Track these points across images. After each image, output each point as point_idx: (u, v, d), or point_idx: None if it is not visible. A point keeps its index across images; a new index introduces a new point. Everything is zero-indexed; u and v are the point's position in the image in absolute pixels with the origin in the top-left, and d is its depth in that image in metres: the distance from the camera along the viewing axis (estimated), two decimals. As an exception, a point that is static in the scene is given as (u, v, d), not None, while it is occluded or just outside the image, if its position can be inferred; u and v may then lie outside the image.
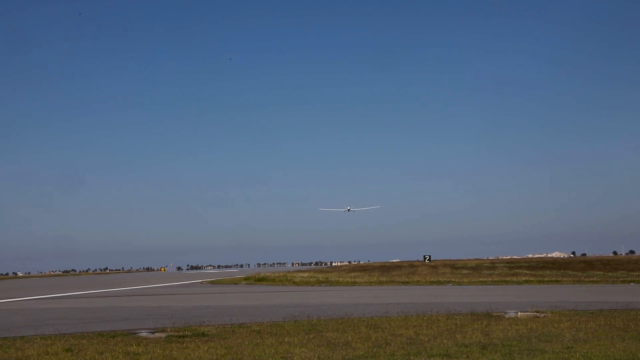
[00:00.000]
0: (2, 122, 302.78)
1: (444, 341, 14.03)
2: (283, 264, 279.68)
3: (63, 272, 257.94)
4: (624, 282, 45.91)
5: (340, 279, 57.95)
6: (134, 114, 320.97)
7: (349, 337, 14.83)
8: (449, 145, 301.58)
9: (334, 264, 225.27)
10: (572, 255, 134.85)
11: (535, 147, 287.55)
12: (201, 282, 67.66)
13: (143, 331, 16.68)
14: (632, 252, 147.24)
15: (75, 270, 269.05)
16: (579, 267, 68.08)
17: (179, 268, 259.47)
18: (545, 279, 50.98)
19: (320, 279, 59.61)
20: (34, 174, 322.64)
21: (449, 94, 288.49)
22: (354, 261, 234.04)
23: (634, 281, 45.50)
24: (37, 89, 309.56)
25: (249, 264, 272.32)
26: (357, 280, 56.62)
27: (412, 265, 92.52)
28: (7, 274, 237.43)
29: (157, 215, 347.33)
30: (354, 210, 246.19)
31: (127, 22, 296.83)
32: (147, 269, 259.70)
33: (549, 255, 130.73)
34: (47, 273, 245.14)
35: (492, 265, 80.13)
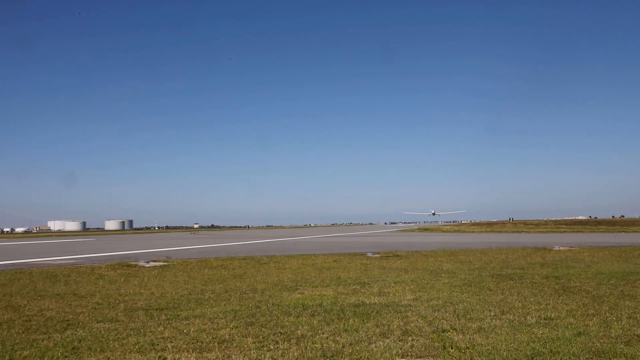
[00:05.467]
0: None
1: (520, 261, 15.43)
2: (437, 222, 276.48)
3: (330, 224, 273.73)
4: (618, 232, 50.67)
5: (466, 230, 66.87)
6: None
7: (471, 258, 16.55)
8: (520, 148, 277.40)
9: (462, 222, 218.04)
10: (589, 217, 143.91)
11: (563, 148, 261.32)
12: (396, 230, 74.80)
13: (369, 253, 19.26)
14: (622, 216, 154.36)
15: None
16: (593, 224, 77.83)
17: (385, 223, 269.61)
18: (575, 230, 58.10)
19: (455, 229, 69.71)
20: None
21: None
22: (473, 220, 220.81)
23: (624, 231, 51.09)
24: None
25: (419, 222, 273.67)
26: (474, 230, 64.85)
27: (502, 223, 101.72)
28: (304, 224, 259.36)
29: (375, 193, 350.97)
30: (439, 214, 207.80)
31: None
32: (370, 224, 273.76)
33: (576, 218, 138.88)
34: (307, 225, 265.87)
35: (546, 223, 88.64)
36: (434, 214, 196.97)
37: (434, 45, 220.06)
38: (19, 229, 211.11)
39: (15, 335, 5.96)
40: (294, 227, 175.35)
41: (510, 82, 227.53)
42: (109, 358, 4.88)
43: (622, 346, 5.12)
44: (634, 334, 5.66)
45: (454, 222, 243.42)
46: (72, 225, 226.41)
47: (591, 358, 4.74)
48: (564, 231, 56.29)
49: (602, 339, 5.44)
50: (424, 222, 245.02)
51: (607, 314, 6.80)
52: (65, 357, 4.94)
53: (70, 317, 7.02)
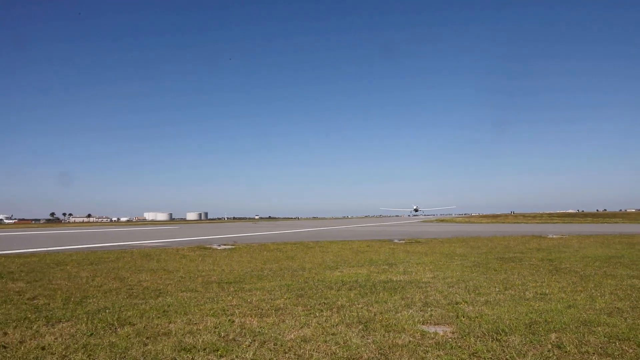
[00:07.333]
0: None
1: (520, 246, 14.99)
2: (450, 214, 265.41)
3: (364, 216, 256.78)
4: (601, 223, 49.27)
5: (476, 221, 65.00)
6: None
7: (479, 244, 16.15)
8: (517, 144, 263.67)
9: (472, 214, 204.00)
10: (577, 211, 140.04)
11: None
12: (417, 221, 72.53)
13: (395, 239, 19.08)
14: (605, 209, 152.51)
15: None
16: (581, 216, 77.17)
17: (408, 215, 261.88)
18: (566, 221, 56.25)
19: (467, 220, 69.16)
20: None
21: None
22: (481, 213, 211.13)
23: (606, 222, 49.79)
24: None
25: (436, 214, 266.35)
26: (482, 221, 63.26)
27: (505, 215, 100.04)
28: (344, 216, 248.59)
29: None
30: (422, 210, 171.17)
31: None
32: (397, 216, 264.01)
33: (567, 211, 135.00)
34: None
35: (541, 215, 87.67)
36: (416, 210, 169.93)
37: (434, 44, 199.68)
38: (123, 219, 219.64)
39: (121, 299, 6.23)
40: (334, 218, 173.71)
41: (512, 80, 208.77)
42: (190, 320, 5.03)
43: (605, 317, 4.97)
44: (615, 307, 5.48)
45: (465, 214, 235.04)
46: (161, 216, 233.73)
47: (579, 326, 4.59)
48: (557, 222, 54.15)
49: (589, 311, 5.28)
50: (440, 214, 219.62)
51: (593, 291, 6.57)
52: (158, 317, 5.13)
53: (161, 287, 7.26)
